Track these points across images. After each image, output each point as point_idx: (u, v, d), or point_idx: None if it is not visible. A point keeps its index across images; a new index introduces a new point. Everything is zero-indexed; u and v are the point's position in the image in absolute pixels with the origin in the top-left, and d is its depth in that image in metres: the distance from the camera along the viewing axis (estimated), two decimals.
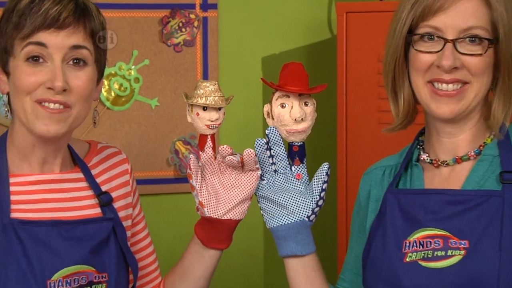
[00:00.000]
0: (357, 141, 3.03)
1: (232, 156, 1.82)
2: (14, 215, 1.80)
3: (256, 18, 3.39)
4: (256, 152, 1.82)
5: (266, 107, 1.85)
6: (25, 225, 1.79)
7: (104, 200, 1.91)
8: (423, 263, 1.72)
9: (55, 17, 1.76)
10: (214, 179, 1.87)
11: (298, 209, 1.83)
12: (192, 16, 3.29)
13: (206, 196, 1.86)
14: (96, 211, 1.89)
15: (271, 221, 1.85)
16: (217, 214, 1.86)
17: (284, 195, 1.83)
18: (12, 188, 1.82)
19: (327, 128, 3.15)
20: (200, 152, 1.85)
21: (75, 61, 1.80)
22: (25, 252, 1.77)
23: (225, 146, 1.82)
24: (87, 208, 1.89)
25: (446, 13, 1.73)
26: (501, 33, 1.72)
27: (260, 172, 1.85)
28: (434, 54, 1.74)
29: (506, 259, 1.66)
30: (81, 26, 1.80)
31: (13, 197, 1.81)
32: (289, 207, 1.83)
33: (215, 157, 1.85)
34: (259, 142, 1.83)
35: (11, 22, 1.78)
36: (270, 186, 1.85)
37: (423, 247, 1.73)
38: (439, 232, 1.73)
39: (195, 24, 3.30)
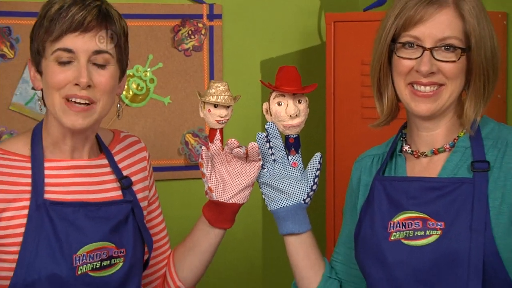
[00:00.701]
0: (343, 133, 3.03)
1: (238, 149, 1.83)
2: (46, 196, 1.80)
3: (256, 26, 3.38)
4: (258, 143, 1.83)
5: (265, 105, 1.85)
6: (55, 206, 1.79)
7: (125, 184, 1.91)
8: (405, 242, 1.72)
9: (81, 21, 1.77)
10: (222, 168, 1.88)
11: (295, 193, 1.83)
12: (200, 25, 3.28)
13: (214, 183, 1.87)
14: (118, 194, 1.90)
15: (272, 204, 1.86)
16: (224, 198, 1.88)
17: (282, 181, 1.84)
18: (46, 172, 1.82)
19: (317, 123, 3.15)
20: (210, 144, 1.86)
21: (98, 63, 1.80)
22: (54, 229, 1.77)
23: (233, 139, 1.83)
24: (110, 191, 1.89)
25: (425, 25, 1.73)
26: (472, 42, 1.72)
27: (261, 162, 1.86)
28: (414, 60, 1.74)
29: (475, 238, 1.65)
30: (103, 29, 1.80)
31: (46, 180, 1.82)
32: (287, 191, 1.83)
33: (223, 148, 1.86)
34: (259, 136, 1.84)
35: (43, 27, 1.79)
36: (270, 174, 1.86)
37: (405, 227, 1.73)
38: (419, 215, 1.73)
39: (203, 32, 3.29)
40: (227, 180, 1.88)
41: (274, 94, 1.84)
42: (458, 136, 1.78)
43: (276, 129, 1.83)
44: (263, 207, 3.29)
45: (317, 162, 1.83)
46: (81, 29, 1.77)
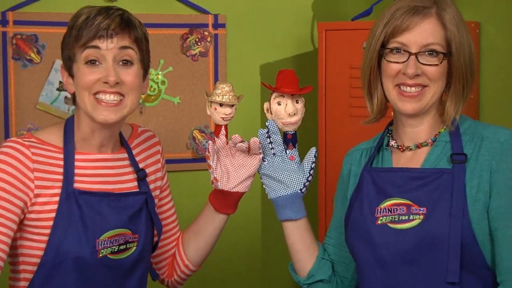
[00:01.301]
0: (334, 130, 3.03)
1: (241, 143, 1.83)
2: (76, 185, 1.80)
3: (255, 34, 3.37)
4: (259, 139, 1.83)
5: (266, 105, 1.85)
6: (84, 195, 1.80)
7: (141, 176, 1.91)
8: (391, 225, 1.72)
9: (106, 29, 1.77)
10: (226, 160, 1.88)
11: (293, 184, 1.84)
12: (206, 33, 3.28)
13: (220, 173, 1.87)
14: (134, 185, 1.90)
15: (272, 193, 1.86)
16: (228, 187, 1.88)
17: (281, 173, 1.84)
18: (76, 163, 1.82)
19: (311, 120, 3.14)
20: (216, 139, 1.86)
21: (124, 61, 1.80)
22: (82, 216, 1.78)
23: (236, 135, 1.83)
24: (127, 182, 1.89)
25: (411, 32, 1.73)
26: (453, 48, 1.73)
27: (262, 156, 1.86)
28: (401, 64, 1.74)
29: (454, 223, 1.66)
30: (126, 34, 1.81)
31: (76, 171, 1.82)
32: (286, 182, 1.83)
33: (227, 143, 1.86)
34: (261, 132, 1.84)
35: (72, 36, 1.79)
36: (270, 166, 1.85)
37: (391, 212, 1.73)
38: (403, 201, 1.73)
39: (208, 39, 3.29)
40: (231, 171, 1.88)
41: (274, 94, 1.84)
42: (439, 132, 1.78)
43: (276, 126, 1.83)
44: (263, 195, 3.29)
45: (313, 156, 1.84)
46: (106, 36, 1.77)
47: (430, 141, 1.78)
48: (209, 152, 1.85)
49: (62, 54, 1.84)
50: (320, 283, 1.90)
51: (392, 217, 1.73)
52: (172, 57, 3.25)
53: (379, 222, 1.74)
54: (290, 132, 1.84)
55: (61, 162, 1.81)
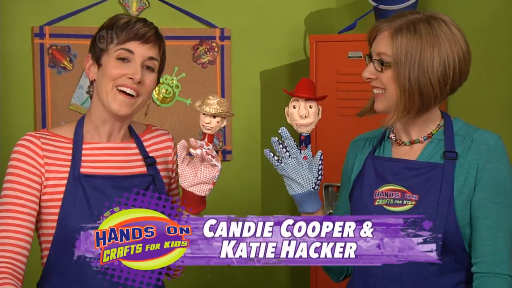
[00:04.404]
0: (323, 127, 3.03)
1: (192, 150, 1.75)
2: (82, 170, 1.79)
3: (256, 45, 3.37)
4: (273, 146, 1.79)
5: (286, 109, 1.80)
6: (88, 178, 1.78)
7: (148, 162, 1.87)
8: (387, 207, 1.71)
9: (143, 34, 1.78)
10: (197, 163, 1.77)
11: (305, 183, 1.78)
12: (214, 44, 3.29)
13: (181, 171, 1.77)
14: (143, 170, 1.87)
15: (290, 190, 1.78)
16: (184, 185, 1.78)
17: (295, 173, 1.77)
18: (84, 152, 1.82)
19: None
20: (196, 143, 1.74)
21: (147, 67, 1.80)
22: (86, 196, 1.76)
23: (183, 141, 1.76)
24: (136, 167, 1.85)
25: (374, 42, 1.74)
26: (398, 59, 1.70)
27: (219, 168, 1.75)
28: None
29: (441, 210, 1.65)
30: (157, 44, 1.81)
31: (83, 158, 1.81)
32: (300, 182, 1.77)
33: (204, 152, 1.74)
34: (273, 140, 1.78)
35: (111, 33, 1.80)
36: (288, 167, 1.79)
37: (387, 196, 1.73)
38: (399, 188, 1.72)
39: (216, 49, 3.30)
40: (192, 173, 1.77)
41: (292, 99, 1.80)
42: (431, 133, 1.77)
43: (287, 132, 1.78)
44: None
45: (318, 159, 1.79)
46: (143, 40, 1.78)
47: (422, 139, 1.77)
48: (178, 151, 1.77)
49: (91, 45, 1.81)
50: None
51: (388, 200, 1.72)
52: (184, 64, 3.27)
53: (376, 203, 1.73)
54: (304, 134, 1.80)
55: (70, 151, 1.80)
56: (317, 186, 1.76)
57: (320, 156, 1.77)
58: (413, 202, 1.69)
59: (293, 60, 3.42)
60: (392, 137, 1.80)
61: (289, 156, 1.76)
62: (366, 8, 3.18)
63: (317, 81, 3.04)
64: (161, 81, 3.21)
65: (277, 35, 3.40)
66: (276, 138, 1.76)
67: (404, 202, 1.70)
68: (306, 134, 1.77)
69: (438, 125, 1.75)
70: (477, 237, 1.66)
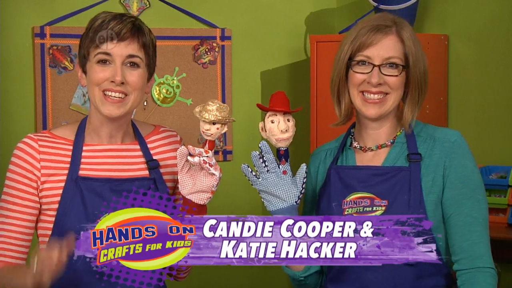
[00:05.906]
0: (323, 127, 3.03)
1: (190, 158, 1.69)
2: (81, 172, 1.77)
3: (257, 45, 3.39)
4: (253, 160, 1.77)
5: (261, 124, 1.77)
6: (85, 180, 1.75)
7: (151, 165, 1.84)
8: (356, 215, 1.71)
9: (118, 33, 1.75)
10: (197, 170, 1.72)
11: (288, 197, 1.74)
12: (214, 44, 3.29)
13: (180, 178, 1.72)
14: (145, 173, 1.83)
15: (270, 206, 1.76)
16: (183, 193, 1.73)
17: (277, 188, 1.74)
18: (84, 154, 1.80)
19: (303, 118, 3.14)
20: (195, 150, 1.69)
21: (130, 64, 1.79)
22: (83, 199, 1.74)
23: (183, 147, 1.69)
24: (137, 170, 1.82)
25: (375, 47, 1.72)
26: (410, 61, 1.73)
27: (217, 176, 1.70)
28: (366, 74, 1.72)
29: (412, 212, 1.65)
30: (135, 39, 1.78)
31: (83, 160, 1.79)
32: (282, 196, 1.74)
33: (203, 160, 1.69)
34: (253, 154, 1.75)
35: (88, 37, 1.76)
36: (265, 182, 1.76)
37: (356, 204, 1.72)
38: (367, 195, 1.72)
39: (216, 49, 3.30)
40: (191, 180, 1.73)
41: (268, 114, 1.77)
42: (396, 135, 1.78)
43: (267, 146, 1.75)
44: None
45: (304, 172, 1.77)
46: (118, 38, 1.76)
47: (388, 143, 1.77)
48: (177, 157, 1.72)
49: (78, 52, 1.80)
50: (315, 274, 1.87)
51: (357, 209, 1.71)
52: (185, 64, 3.27)
53: (345, 213, 1.72)
54: (282, 148, 1.77)
55: (70, 153, 1.78)
56: (299, 200, 1.74)
57: (305, 170, 1.74)
58: (383, 208, 1.68)
59: (294, 60, 3.43)
60: (356, 145, 1.80)
61: (267, 171, 1.73)
62: (367, 8, 3.18)
63: (318, 81, 3.05)
64: (161, 81, 3.23)
65: (277, 35, 3.41)
66: (257, 152, 1.72)
67: (374, 208, 1.69)
68: (284, 148, 1.74)
69: (401, 128, 1.77)
70: (453, 235, 1.67)
